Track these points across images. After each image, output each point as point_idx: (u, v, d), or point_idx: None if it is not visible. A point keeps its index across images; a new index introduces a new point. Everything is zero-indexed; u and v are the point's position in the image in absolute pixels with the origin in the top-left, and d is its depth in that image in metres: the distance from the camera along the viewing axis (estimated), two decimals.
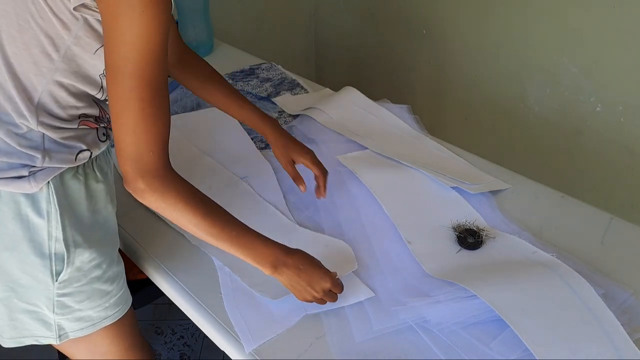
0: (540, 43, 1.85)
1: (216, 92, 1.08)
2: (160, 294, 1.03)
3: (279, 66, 1.73)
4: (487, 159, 1.27)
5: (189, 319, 0.93)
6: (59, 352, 1.56)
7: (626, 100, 1.70)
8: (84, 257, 0.82)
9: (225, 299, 0.91)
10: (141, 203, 0.75)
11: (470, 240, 1.01)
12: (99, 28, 0.72)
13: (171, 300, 0.96)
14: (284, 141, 1.09)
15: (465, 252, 1.00)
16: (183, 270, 0.97)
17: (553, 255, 0.95)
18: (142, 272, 1.04)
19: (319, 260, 0.87)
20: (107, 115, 0.84)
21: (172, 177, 0.75)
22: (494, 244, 1.01)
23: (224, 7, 2.23)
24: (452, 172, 1.19)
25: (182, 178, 0.77)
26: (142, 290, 1.17)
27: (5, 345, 0.86)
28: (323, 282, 0.84)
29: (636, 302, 0.89)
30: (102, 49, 0.74)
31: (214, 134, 1.25)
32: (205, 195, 0.79)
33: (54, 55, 0.73)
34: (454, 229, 1.05)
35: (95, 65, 0.76)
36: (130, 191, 0.73)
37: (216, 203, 0.80)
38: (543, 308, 0.85)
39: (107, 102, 0.83)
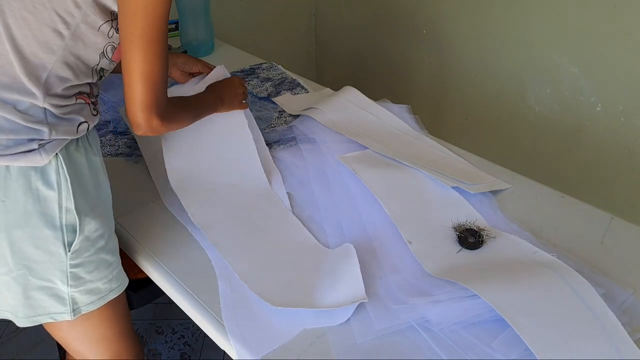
0: (540, 43, 1.85)
1: None
2: (161, 293, 1.02)
3: (280, 66, 1.73)
4: (487, 159, 1.27)
5: (190, 318, 0.93)
6: (59, 350, 1.57)
7: (626, 100, 1.70)
8: (91, 227, 0.86)
9: (224, 310, 0.89)
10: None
11: (471, 240, 1.01)
12: (106, 2, 0.80)
13: (172, 300, 0.96)
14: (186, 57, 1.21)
15: (466, 252, 1.00)
16: (183, 270, 0.97)
17: (554, 255, 0.95)
18: (142, 272, 1.04)
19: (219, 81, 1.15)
20: (96, 93, 0.90)
21: (170, 102, 0.87)
22: (494, 244, 1.01)
23: (224, 7, 2.23)
24: (452, 172, 1.19)
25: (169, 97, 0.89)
26: (142, 289, 1.17)
27: (20, 325, 0.88)
28: (236, 89, 1.15)
29: (636, 302, 0.89)
30: (105, 24, 0.82)
31: (216, 132, 1.25)
32: (176, 97, 0.97)
33: (64, 32, 0.79)
34: (455, 228, 1.05)
35: (97, 42, 0.83)
36: (146, 131, 0.85)
37: (178, 97, 1.00)
38: (544, 308, 0.85)
39: (97, 83, 0.89)
